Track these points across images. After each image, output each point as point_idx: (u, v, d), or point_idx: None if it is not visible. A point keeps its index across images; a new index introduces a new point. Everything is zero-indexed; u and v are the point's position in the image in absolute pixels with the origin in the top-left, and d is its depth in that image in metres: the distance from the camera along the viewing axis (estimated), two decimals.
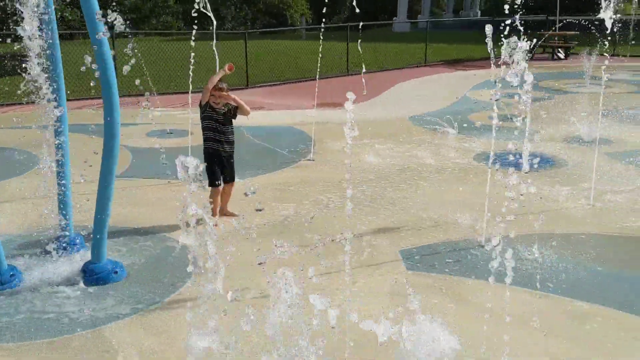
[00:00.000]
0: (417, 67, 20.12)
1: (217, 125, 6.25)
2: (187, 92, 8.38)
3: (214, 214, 6.35)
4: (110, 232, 5.16)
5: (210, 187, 6.26)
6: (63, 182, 5.32)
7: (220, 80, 6.21)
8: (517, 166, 8.75)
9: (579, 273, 5.18)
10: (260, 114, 12.44)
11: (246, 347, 3.82)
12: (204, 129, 6.33)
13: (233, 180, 6.47)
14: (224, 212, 6.46)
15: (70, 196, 5.44)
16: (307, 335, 3.17)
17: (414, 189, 7.49)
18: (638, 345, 4.11)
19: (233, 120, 6.41)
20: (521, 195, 4.70)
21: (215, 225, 6.23)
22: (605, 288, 4.92)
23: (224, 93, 6.17)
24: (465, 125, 11.05)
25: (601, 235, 6.03)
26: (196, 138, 10.38)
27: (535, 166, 8.91)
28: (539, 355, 4.01)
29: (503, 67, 5.10)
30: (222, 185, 6.33)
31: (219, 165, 6.30)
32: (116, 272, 4.89)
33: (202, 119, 6.33)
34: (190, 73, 7.47)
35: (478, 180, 7.78)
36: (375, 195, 7.23)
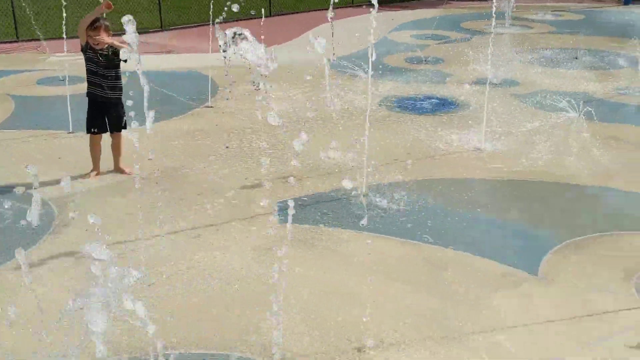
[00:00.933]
0: (345, 7, 19.59)
1: (98, 68, 5.78)
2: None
3: (94, 167, 5.98)
4: None
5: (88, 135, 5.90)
6: None
7: (99, 19, 5.67)
8: (418, 110, 8.70)
9: (448, 220, 5.11)
10: (167, 58, 11.88)
11: None
12: (86, 72, 5.88)
13: (119, 130, 5.97)
14: (117, 168, 6.06)
15: None
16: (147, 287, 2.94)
17: (313, 135, 7.26)
18: (492, 295, 4.07)
19: (123, 63, 5.81)
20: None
21: (89, 176, 5.89)
22: (471, 234, 4.87)
23: (99, 35, 5.65)
24: (380, 67, 10.82)
25: (483, 180, 5.97)
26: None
27: (437, 110, 8.91)
28: (394, 305, 3.93)
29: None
30: (101, 133, 5.92)
31: (100, 112, 5.87)
32: None
33: (85, 61, 5.86)
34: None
35: (378, 125, 7.62)
36: (272, 143, 6.96)
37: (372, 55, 5.74)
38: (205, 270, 4.31)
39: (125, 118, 5.86)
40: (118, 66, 5.84)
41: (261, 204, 5.28)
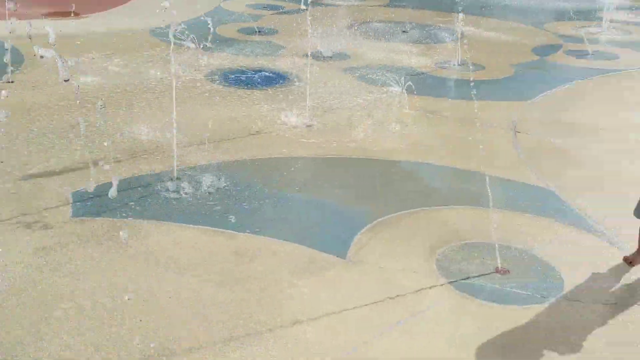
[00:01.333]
0: None
1: None
2: None
3: None
4: None
5: None
6: None
7: None
8: (244, 84, 8.33)
9: (261, 203, 4.88)
10: None
11: None
12: None
13: None
14: None
15: None
16: None
17: (129, 112, 6.66)
18: (299, 284, 3.91)
19: None
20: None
21: None
22: (284, 217, 4.70)
23: None
24: (210, 38, 10.31)
25: (302, 158, 5.81)
26: None
27: (264, 84, 8.67)
28: (196, 303, 3.63)
29: None
30: None
31: None
32: None
33: None
34: None
35: (200, 101, 7.20)
36: (78, 121, 6.26)
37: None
38: None
39: None
40: None
41: (48, 197, 4.69)
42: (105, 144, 5.75)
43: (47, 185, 4.91)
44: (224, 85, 7.88)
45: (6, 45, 8.04)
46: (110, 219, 4.46)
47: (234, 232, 4.39)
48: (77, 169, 5.21)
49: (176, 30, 10.19)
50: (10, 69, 7.64)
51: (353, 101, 7.54)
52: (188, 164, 5.42)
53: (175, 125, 6.23)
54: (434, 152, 6.14)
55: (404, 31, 11.92)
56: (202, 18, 12.11)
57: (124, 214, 4.54)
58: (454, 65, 9.53)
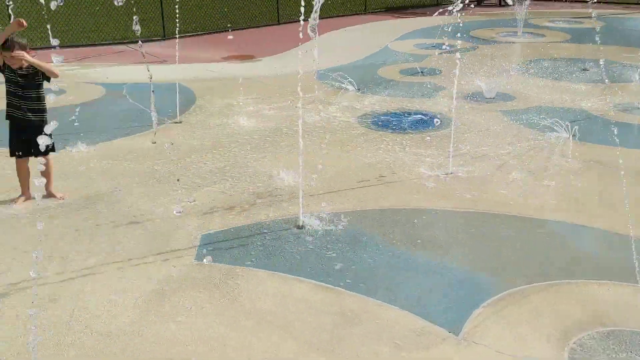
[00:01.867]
0: (357, 14, 19.08)
1: (17, 89, 5.46)
2: None
3: (22, 191, 5.66)
4: None
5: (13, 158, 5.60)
6: None
7: (14, 37, 5.36)
8: (395, 128, 8.12)
9: (378, 260, 4.53)
10: (157, 69, 11.56)
11: None
12: (5, 93, 5.57)
13: (44, 154, 5.47)
14: (48, 194, 5.68)
15: None
16: None
17: (272, 155, 6.79)
18: None
19: (46, 82, 5.58)
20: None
21: (16, 201, 5.51)
22: (399, 278, 4.30)
23: (15, 53, 5.32)
24: (370, 80, 10.29)
25: (439, 211, 5.37)
26: (74, 95, 9.58)
27: (415, 127, 8.31)
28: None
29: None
30: (27, 157, 5.57)
31: (22, 134, 5.52)
32: None
33: (5, 82, 5.56)
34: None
35: (347, 144, 7.11)
36: (224, 164, 6.52)
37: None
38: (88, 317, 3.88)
39: (52, 141, 5.48)
40: (40, 86, 5.50)
41: (180, 237, 4.85)
42: (238, 189, 5.88)
43: (182, 225, 5.10)
44: (373, 129, 7.71)
45: (187, 87, 8.74)
46: (229, 265, 4.46)
47: (345, 290, 4.13)
48: (210, 212, 5.37)
49: (337, 73, 10.45)
50: (179, 110, 8.25)
51: (507, 148, 6.91)
52: (314, 212, 5.29)
53: (307, 170, 6.25)
54: (597, 212, 5.32)
55: (583, 69, 10.85)
56: (368, 59, 12.25)
57: (239, 261, 4.52)
58: (638, 108, 8.39)
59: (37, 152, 5.49)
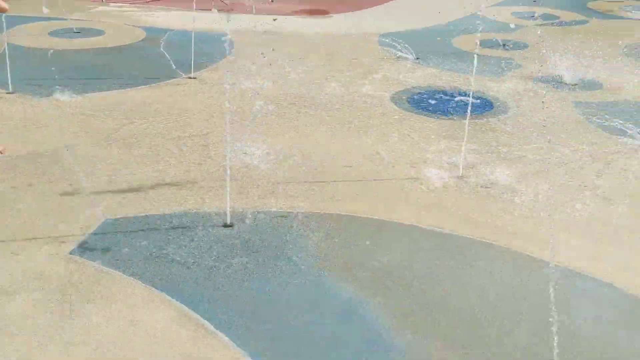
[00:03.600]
0: None
1: None
2: None
3: None
4: None
5: None
6: None
7: None
8: (433, 110, 6.69)
9: (285, 289, 3.38)
10: (208, 17, 10.73)
11: None
12: None
13: None
14: None
15: None
16: None
17: (267, 128, 5.73)
18: None
19: None
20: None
21: None
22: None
23: None
24: (437, 50, 8.79)
25: (406, 229, 4.04)
26: (111, 39, 9.05)
27: (457, 112, 6.79)
28: None
29: None
30: None
31: None
32: None
33: None
34: None
35: (357, 126, 5.89)
36: (200, 132, 5.57)
37: None
38: None
39: None
40: None
41: (68, 223, 3.97)
42: (200, 164, 4.91)
43: (95, 203, 4.24)
44: (403, 109, 6.37)
45: (232, 39, 7.79)
46: (104, 267, 3.52)
47: (214, 329, 3.05)
48: (138, 190, 4.46)
49: (403, 38, 9.04)
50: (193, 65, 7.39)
51: (553, 154, 5.33)
52: (258, 208, 4.21)
53: (288, 154, 5.12)
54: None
55: None
56: (447, 26, 10.62)
57: (121, 261, 3.58)
58: None
59: None
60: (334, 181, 4.68)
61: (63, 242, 3.74)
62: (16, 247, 3.67)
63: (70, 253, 3.62)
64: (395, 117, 6.16)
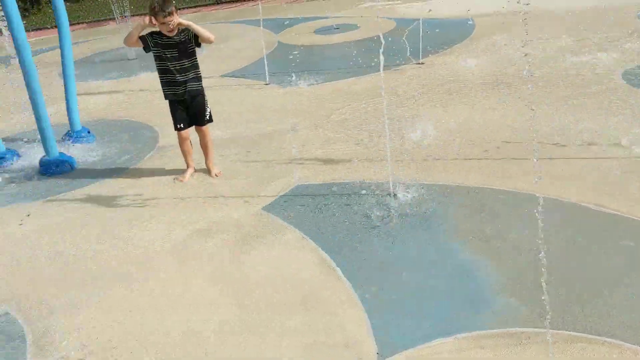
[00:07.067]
0: None
1: (171, 63, 4.85)
2: None
3: (186, 165, 5.27)
4: None
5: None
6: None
7: (162, 3, 4.63)
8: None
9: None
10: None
11: None
12: (159, 72, 4.95)
13: (201, 123, 5.11)
14: (207, 167, 5.28)
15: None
16: None
17: (444, 109, 5.89)
18: None
19: (197, 48, 4.92)
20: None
21: (183, 178, 5.22)
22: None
23: (171, 18, 4.68)
24: None
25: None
26: (363, 32, 9.84)
27: None
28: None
29: None
30: (187, 129, 5.09)
31: (182, 106, 5.03)
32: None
33: (156, 59, 4.91)
34: None
35: (570, 99, 5.66)
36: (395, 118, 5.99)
37: None
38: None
39: (209, 109, 5.12)
40: (192, 54, 4.91)
41: (269, 187, 4.82)
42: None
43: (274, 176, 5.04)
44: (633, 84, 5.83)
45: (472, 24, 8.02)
46: (283, 222, 4.28)
47: (341, 274, 3.55)
48: (325, 163, 5.12)
49: None
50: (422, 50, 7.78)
51: None
52: (430, 182, 4.50)
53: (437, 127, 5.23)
54: None
55: None
56: None
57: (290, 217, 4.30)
58: None
59: (195, 122, 5.14)
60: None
61: (260, 200, 4.63)
62: (225, 201, 4.69)
63: (262, 209, 4.49)
64: (616, 93, 5.67)
